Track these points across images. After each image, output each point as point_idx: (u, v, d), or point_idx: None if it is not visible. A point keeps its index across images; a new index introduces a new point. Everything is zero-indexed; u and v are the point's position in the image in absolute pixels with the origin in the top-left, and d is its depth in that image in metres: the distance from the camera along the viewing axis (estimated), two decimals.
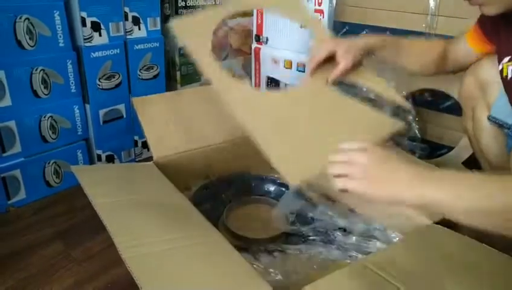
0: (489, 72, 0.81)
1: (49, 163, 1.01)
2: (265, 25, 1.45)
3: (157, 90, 1.17)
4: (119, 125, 1.14)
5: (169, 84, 1.30)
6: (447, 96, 1.07)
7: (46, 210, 0.98)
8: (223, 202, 0.95)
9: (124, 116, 1.15)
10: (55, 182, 1.04)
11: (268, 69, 1.48)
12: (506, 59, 0.70)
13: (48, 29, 0.94)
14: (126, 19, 1.09)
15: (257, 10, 1.45)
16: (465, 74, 0.87)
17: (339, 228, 0.82)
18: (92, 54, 1.02)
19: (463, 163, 1.07)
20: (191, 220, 0.70)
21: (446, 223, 0.72)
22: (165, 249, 0.59)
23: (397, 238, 0.79)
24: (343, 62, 0.83)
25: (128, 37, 1.10)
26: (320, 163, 0.63)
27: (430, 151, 1.07)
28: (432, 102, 1.12)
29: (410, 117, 1.03)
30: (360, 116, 0.80)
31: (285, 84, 1.36)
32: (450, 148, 1.11)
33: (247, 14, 1.49)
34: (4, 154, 0.93)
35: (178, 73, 1.32)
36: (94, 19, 1.00)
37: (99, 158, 1.12)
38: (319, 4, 1.27)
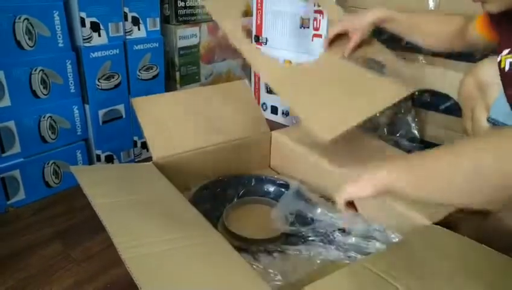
0: (489, 73, 0.81)
1: (48, 163, 1.01)
2: (264, 25, 1.45)
3: (156, 91, 1.17)
4: (119, 125, 1.14)
5: (169, 85, 1.30)
6: (447, 97, 1.07)
7: (46, 210, 0.98)
8: (223, 203, 0.95)
9: (124, 116, 1.15)
10: (54, 182, 1.04)
11: None
12: (506, 52, 0.70)
13: (47, 30, 0.94)
14: (125, 19, 1.09)
15: (257, 10, 1.45)
16: (464, 75, 0.87)
17: (339, 229, 0.82)
18: (91, 54, 1.02)
19: None
20: (190, 220, 0.70)
21: (445, 223, 0.72)
22: (164, 249, 0.59)
23: (396, 239, 0.79)
24: (353, 38, 0.95)
25: (127, 37, 1.10)
26: (344, 122, 0.80)
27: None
28: (431, 103, 1.12)
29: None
30: (369, 83, 0.93)
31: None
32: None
33: (247, 14, 1.49)
34: (3, 155, 0.93)
35: (177, 73, 1.32)
36: (93, 19, 1.00)
37: (98, 158, 1.12)
38: (319, 5, 1.27)
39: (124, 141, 1.18)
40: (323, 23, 1.28)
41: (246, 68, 1.56)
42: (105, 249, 0.84)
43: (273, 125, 1.24)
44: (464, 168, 0.48)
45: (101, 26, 1.02)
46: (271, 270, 0.74)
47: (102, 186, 0.75)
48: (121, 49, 1.08)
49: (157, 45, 1.17)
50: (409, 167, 0.54)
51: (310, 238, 0.83)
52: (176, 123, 0.98)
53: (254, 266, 0.74)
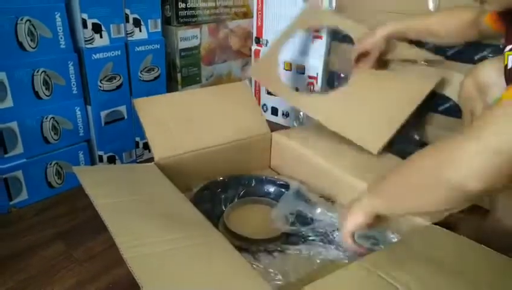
0: (489, 74, 0.81)
1: (50, 164, 1.02)
2: (265, 27, 1.45)
3: (158, 92, 1.18)
4: (121, 126, 1.15)
5: (170, 86, 1.30)
6: (446, 98, 1.08)
7: (48, 211, 0.98)
8: (224, 203, 0.95)
9: (125, 117, 1.15)
10: (57, 183, 1.05)
11: None
12: (509, 48, 0.70)
13: (49, 31, 0.94)
14: (127, 20, 1.09)
15: (257, 12, 1.46)
16: (464, 76, 0.87)
17: (338, 229, 0.83)
18: (93, 55, 1.03)
19: None
20: (191, 220, 0.70)
21: (445, 224, 0.72)
22: (166, 249, 0.59)
23: (396, 239, 0.80)
24: (371, 56, 1.04)
25: (129, 38, 1.11)
26: (385, 132, 0.96)
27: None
28: (430, 104, 1.12)
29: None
30: (400, 86, 1.05)
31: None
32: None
33: (247, 16, 1.50)
34: (6, 156, 0.94)
35: (179, 75, 1.32)
36: (95, 20, 1.01)
37: (100, 159, 1.13)
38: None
39: (126, 142, 1.18)
40: None
41: (247, 69, 1.56)
42: (107, 249, 0.84)
43: (274, 127, 1.24)
44: (414, 175, 0.56)
45: (103, 28, 1.03)
46: (271, 270, 0.74)
47: (104, 187, 0.75)
48: (123, 50, 1.09)
49: (158, 46, 1.18)
50: (380, 191, 0.62)
51: (310, 238, 0.83)
52: (178, 124, 0.98)
53: (254, 266, 0.75)
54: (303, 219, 0.86)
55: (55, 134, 1.01)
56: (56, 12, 0.94)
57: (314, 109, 1.07)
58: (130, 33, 1.11)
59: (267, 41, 1.46)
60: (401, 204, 0.59)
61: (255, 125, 1.09)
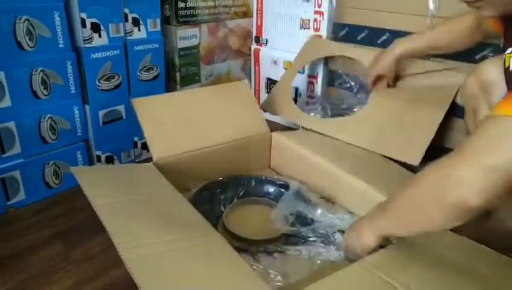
0: (492, 72, 0.81)
1: (48, 164, 1.01)
2: (265, 26, 1.45)
3: (156, 91, 1.17)
4: (119, 126, 1.14)
5: (169, 85, 1.30)
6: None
7: (46, 211, 0.98)
8: (223, 203, 0.95)
9: (124, 117, 1.15)
10: (54, 183, 1.04)
11: (268, 71, 1.48)
12: (510, 50, 0.70)
13: (48, 30, 0.94)
14: (126, 20, 1.09)
15: (257, 12, 1.45)
16: (467, 75, 0.87)
17: (339, 230, 0.82)
18: (92, 55, 1.02)
19: None
20: (190, 221, 0.70)
21: None
22: (164, 250, 0.59)
23: (396, 240, 0.79)
24: (387, 76, 1.08)
25: (128, 38, 1.10)
26: (424, 139, 0.96)
27: (431, 153, 1.07)
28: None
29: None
30: (424, 95, 1.06)
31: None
32: (452, 150, 1.11)
33: (247, 15, 1.49)
34: (4, 155, 0.93)
35: (178, 74, 1.32)
36: (94, 20, 1.00)
37: (98, 159, 1.12)
38: (319, 6, 1.27)
39: (124, 142, 1.18)
40: (323, 24, 1.28)
41: (246, 68, 1.56)
42: (105, 250, 0.84)
43: (273, 126, 1.24)
44: (416, 198, 0.58)
45: (102, 27, 1.03)
46: (271, 271, 0.74)
47: (102, 187, 0.75)
48: (122, 49, 1.08)
49: (157, 46, 1.17)
50: (383, 216, 0.64)
51: (310, 238, 0.82)
52: (176, 124, 0.98)
53: (254, 267, 0.74)
54: (303, 220, 0.86)
55: (53, 134, 1.01)
56: (55, 12, 0.94)
57: (341, 131, 1.08)
58: (129, 32, 1.11)
59: (266, 41, 1.46)
60: (408, 227, 0.61)
61: (254, 125, 1.09)
